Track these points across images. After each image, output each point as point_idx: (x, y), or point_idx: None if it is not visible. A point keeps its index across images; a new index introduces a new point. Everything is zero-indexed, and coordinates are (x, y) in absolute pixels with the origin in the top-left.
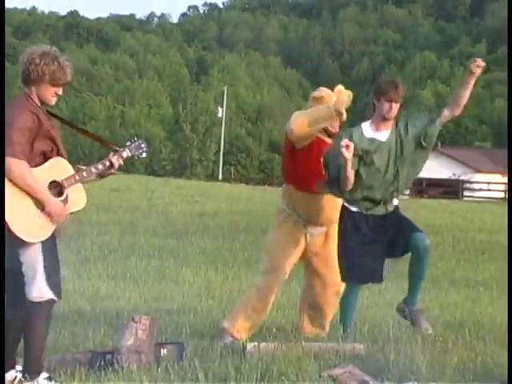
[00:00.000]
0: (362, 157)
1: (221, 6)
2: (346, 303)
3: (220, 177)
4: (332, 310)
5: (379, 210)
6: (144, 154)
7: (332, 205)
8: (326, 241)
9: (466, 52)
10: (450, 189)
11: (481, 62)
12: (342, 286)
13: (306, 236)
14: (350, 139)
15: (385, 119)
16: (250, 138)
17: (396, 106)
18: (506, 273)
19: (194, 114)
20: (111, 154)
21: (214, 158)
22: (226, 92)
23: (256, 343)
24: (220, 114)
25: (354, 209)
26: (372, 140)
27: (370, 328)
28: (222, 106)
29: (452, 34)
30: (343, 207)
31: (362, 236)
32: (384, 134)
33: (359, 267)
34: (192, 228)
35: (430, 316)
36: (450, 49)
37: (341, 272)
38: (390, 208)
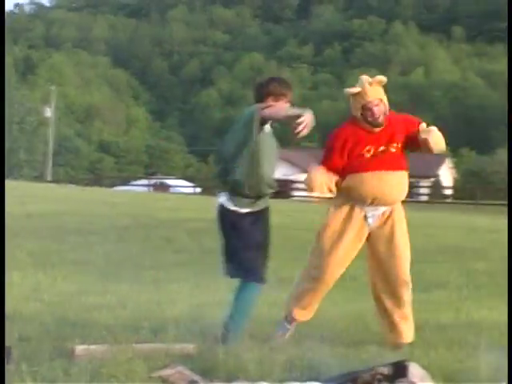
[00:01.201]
0: None
1: (47, 4)
2: (243, 301)
3: (49, 178)
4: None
5: (258, 206)
6: None
7: (399, 181)
8: (387, 222)
9: (293, 53)
10: (280, 189)
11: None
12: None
13: (365, 220)
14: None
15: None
16: (79, 138)
17: None
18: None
19: (21, 114)
20: None
21: (42, 159)
22: (53, 92)
23: (86, 345)
24: (48, 114)
25: (236, 208)
26: None
27: (201, 327)
28: (49, 106)
29: (279, 35)
30: (223, 207)
31: (247, 234)
32: None
33: (260, 265)
34: (19, 230)
35: (260, 314)
36: (277, 50)
37: (243, 272)
38: (264, 204)
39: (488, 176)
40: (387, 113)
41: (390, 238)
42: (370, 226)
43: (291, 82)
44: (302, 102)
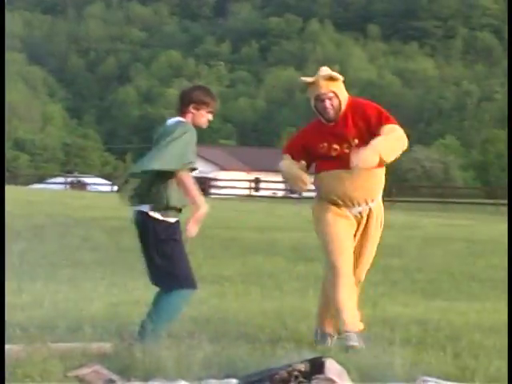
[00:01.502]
0: None
1: None
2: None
3: None
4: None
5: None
6: None
7: (364, 180)
8: (361, 222)
9: (211, 51)
10: (197, 186)
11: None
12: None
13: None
14: None
15: (196, 127)
16: None
17: (211, 116)
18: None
19: None
20: None
21: None
22: None
23: None
24: None
25: (164, 218)
26: None
27: (117, 326)
28: None
29: (197, 33)
30: (149, 216)
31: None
32: None
33: (190, 273)
34: None
35: None
36: (194, 48)
37: (177, 280)
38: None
39: (403, 173)
40: (342, 108)
41: (361, 239)
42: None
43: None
44: (220, 100)
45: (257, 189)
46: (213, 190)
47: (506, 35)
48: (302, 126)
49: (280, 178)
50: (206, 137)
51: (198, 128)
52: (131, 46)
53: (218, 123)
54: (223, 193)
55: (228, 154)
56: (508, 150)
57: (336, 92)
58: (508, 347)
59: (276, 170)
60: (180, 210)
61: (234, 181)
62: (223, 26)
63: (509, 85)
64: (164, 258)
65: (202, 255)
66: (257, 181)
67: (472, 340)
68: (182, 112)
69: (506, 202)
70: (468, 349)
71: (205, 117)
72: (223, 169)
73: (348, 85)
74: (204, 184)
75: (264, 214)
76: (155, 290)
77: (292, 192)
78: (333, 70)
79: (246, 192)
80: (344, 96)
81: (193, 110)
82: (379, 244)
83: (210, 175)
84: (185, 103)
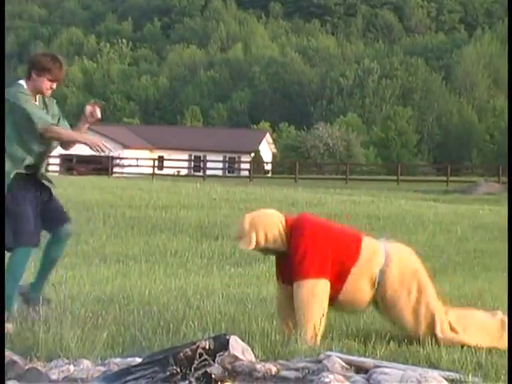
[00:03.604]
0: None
1: None
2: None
3: None
4: None
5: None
6: None
7: None
8: None
9: (113, 29)
10: (100, 165)
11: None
12: None
13: None
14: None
15: (38, 94)
16: None
17: (54, 85)
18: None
19: None
20: None
21: None
22: None
23: None
24: None
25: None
26: None
27: (19, 307)
28: None
29: (98, 10)
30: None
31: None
32: None
33: (28, 229)
34: None
35: (80, 292)
36: (96, 25)
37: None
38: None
39: (306, 151)
40: None
41: None
42: None
43: (63, 61)
44: (122, 78)
45: (161, 167)
46: (116, 169)
47: (405, 13)
48: (206, 103)
49: (184, 156)
50: (110, 115)
51: (40, 94)
52: (31, 23)
53: (122, 102)
54: (127, 171)
55: (131, 133)
56: (508, 147)
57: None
58: (508, 347)
59: (180, 148)
60: (30, 168)
61: (137, 159)
62: (125, 4)
63: (509, 85)
64: (8, 215)
65: (106, 234)
66: (160, 159)
67: (374, 315)
68: (27, 76)
69: (406, 177)
70: (370, 324)
71: (46, 84)
72: (127, 147)
73: (251, 62)
74: (107, 163)
75: (168, 193)
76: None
77: (196, 170)
78: (236, 48)
79: (150, 170)
80: None
81: (34, 76)
82: None
83: (114, 154)
84: (28, 68)
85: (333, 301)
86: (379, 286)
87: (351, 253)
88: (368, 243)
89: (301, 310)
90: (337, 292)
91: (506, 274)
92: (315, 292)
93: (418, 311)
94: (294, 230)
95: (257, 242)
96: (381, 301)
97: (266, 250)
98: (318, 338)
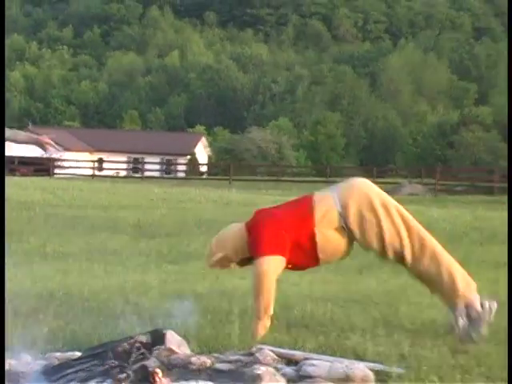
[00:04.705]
0: None
1: None
2: None
3: None
4: None
5: None
6: None
7: None
8: None
9: (54, 35)
10: (42, 167)
11: None
12: None
13: None
14: None
15: None
16: None
17: None
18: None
19: None
20: None
21: None
22: None
23: None
24: None
25: None
26: None
27: None
28: None
29: (39, 17)
30: None
31: None
32: None
33: None
34: None
35: (22, 289)
36: (37, 32)
37: None
38: None
39: (240, 153)
40: None
41: None
42: None
43: None
44: (63, 82)
45: (100, 169)
46: (57, 170)
47: (334, 23)
48: (144, 108)
49: (122, 158)
50: (51, 118)
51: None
52: None
53: (62, 106)
54: (68, 172)
55: (72, 135)
56: (508, 149)
57: None
58: (508, 346)
59: (119, 150)
60: None
61: (78, 161)
62: (65, 11)
63: (509, 85)
64: None
65: (47, 233)
66: (100, 161)
67: (304, 309)
68: None
69: (334, 179)
70: (300, 318)
71: None
72: (67, 149)
73: (187, 69)
74: (48, 164)
75: (107, 193)
76: None
77: (134, 171)
78: (172, 55)
79: (90, 172)
80: None
81: None
82: (219, 220)
83: (55, 155)
84: None
85: (318, 261)
86: (346, 227)
87: (306, 217)
88: (318, 199)
89: (254, 284)
90: (315, 253)
91: None
92: (268, 267)
93: (382, 236)
94: (249, 225)
95: (229, 259)
96: (355, 239)
97: (242, 262)
98: (269, 310)
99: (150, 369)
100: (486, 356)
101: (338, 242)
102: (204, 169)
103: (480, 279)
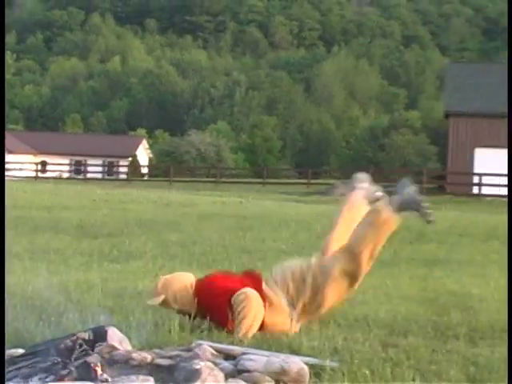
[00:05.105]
0: None
1: None
2: None
3: None
4: None
5: None
6: None
7: None
8: None
9: None
10: None
11: None
12: None
13: None
14: None
15: None
16: None
17: None
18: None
19: None
20: None
21: None
22: None
23: None
24: None
25: None
26: None
27: None
28: None
29: None
30: None
31: None
32: None
33: None
34: None
35: None
36: None
37: None
38: None
39: (180, 156)
40: None
41: None
42: None
43: None
44: (6, 87)
45: (43, 171)
46: (7, 173)
47: (270, 30)
48: (86, 111)
49: (65, 161)
50: None
51: None
52: None
53: (6, 109)
54: (11, 175)
55: (16, 138)
56: (508, 146)
57: None
58: (508, 346)
59: (62, 153)
60: None
61: (21, 163)
62: (8, 18)
63: (509, 85)
64: None
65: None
66: (43, 163)
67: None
68: None
69: (271, 180)
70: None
71: None
72: (11, 152)
73: (128, 74)
74: None
75: (50, 194)
76: None
77: (77, 173)
78: (114, 60)
79: (33, 174)
80: None
81: None
82: (159, 221)
83: None
84: None
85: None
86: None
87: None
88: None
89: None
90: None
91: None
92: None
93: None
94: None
95: (167, 303)
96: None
97: (180, 310)
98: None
99: (92, 365)
100: (415, 349)
101: (283, 321)
102: (145, 171)
103: (410, 276)
